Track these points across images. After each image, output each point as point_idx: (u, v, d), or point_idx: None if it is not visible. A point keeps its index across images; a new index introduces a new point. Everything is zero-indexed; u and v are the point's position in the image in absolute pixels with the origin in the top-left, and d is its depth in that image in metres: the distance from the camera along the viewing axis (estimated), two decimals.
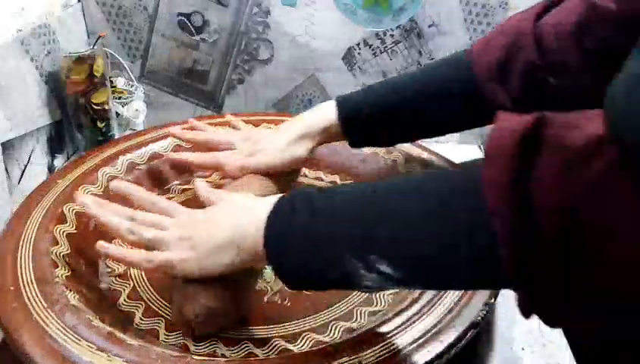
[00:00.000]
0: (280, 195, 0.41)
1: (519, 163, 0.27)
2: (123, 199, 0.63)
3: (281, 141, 0.58)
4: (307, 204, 0.37)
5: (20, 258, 0.48)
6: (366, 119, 0.57)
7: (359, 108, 0.57)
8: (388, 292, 0.52)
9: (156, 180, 0.68)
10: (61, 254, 0.50)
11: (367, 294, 0.52)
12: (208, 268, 0.42)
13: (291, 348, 0.46)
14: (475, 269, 0.31)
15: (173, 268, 0.42)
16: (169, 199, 0.66)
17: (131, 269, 0.55)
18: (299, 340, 0.47)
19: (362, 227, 0.35)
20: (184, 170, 0.70)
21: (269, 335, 0.47)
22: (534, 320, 0.45)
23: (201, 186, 0.50)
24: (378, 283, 0.34)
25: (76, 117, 0.76)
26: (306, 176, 0.70)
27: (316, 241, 0.36)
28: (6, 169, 0.63)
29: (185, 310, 0.43)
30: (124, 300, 0.51)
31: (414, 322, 0.42)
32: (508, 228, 0.27)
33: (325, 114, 0.58)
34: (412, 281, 0.35)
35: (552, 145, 0.27)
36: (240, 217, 0.41)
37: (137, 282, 0.53)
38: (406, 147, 0.69)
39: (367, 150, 0.71)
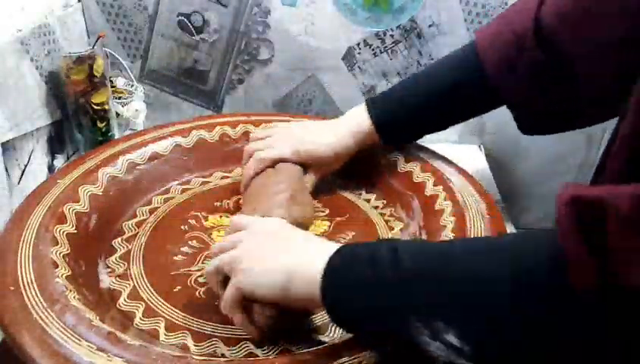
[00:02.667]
0: (342, 245, 0.40)
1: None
2: (124, 197, 0.64)
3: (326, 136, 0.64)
4: (370, 258, 0.37)
5: (20, 258, 0.47)
6: (398, 122, 0.63)
7: (391, 112, 0.62)
8: None
9: (156, 180, 0.68)
10: (61, 254, 0.50)
11: None
12: (260, 288, 0.42)
13: (291, 348, 0.46)
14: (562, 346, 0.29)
15: (242, 289, 0.42)
16: (168, 199, 0.67)
17: (131, 269, 0.55)
18: (299, 340, 0.46)
19: (429, 290, 0.33)
20: (184, 170, 0.71)
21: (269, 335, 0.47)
22: None
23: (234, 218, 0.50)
24: (446, 354, 0.32)
25: (76, 117, 0.76)
26: None
27: (378, 301, 0.35)
28: (6, 169, 0.63)
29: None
30: (124, 300, 0.51)
31: None
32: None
33: (358, 119, 0.64)
34: (483, 358, 0.32)
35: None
36: (294, 260, 0.41)
37: (137, 282, 0.53)
38: (406, 147, 0.69)
39: (366, 150, 0.71)
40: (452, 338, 0.31)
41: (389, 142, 0.65)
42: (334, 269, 0.38)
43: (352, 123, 0.64)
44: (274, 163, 0.63)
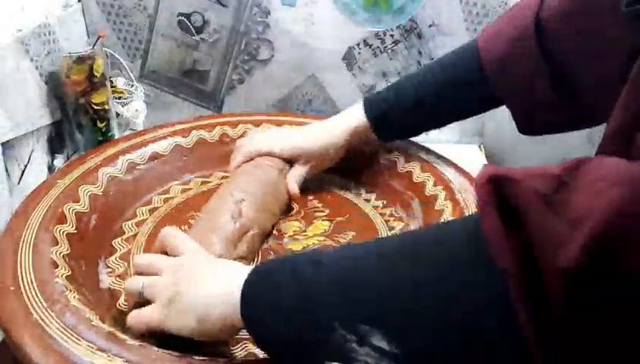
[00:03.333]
0: (257, 264, 0.40)
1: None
2: (124, 197, 0.64)
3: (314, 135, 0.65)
4: (290, 274, 0.35)
5: (20, 258, 0.47)
6: (392, 117, 0.62)
7: (385, 108, 0.62)
8: None
9: (156, 180, 0.68)
10: (61, 254, 0.50)
11: None
12: (177, 328, 0.40)
13: None
14: (492, 338, 0.28)
15: (156, 323, 0.42)
16: (168, 199, 0.67)
17: (131, 269, 0.55)
18: None
19: (349, 293, 0.32)
20: (184, 170, 0.71)
21: None
22: None
23: (166, 232, 0.48)
24: (374, 360, 0.30)
25: (76, 117, 0.76)
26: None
27: (299, 313, 0.34)
28: (6, 169, 0.63)
29: None
30: (124, 300, 0.51)
31: None
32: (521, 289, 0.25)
33: (353, 115, 0.64)
34: (412, 357, 0.30)
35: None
36: (213, 283, 0.40)
37: None
38: (406, 147, 0.69)
39: (367, 150, 0.71)
40: (380, 342, 0.30)
41: (384, 138, 0.65)
42: (251, 290, 0.37)
43: (348, 119, 0.64)
44: (258, 156, 0.65)
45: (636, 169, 0.24)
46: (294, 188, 0.64)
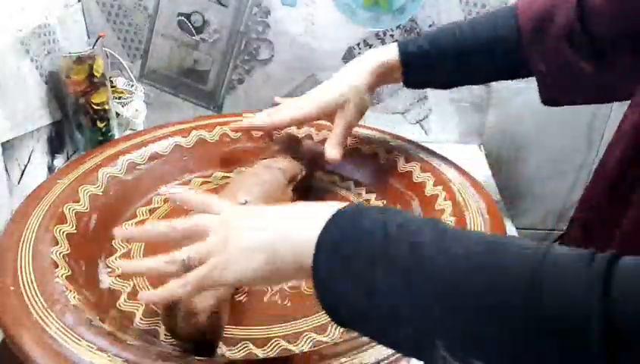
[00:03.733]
0: (337, 206, 0.34)
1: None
2: (124, 197, 0.64)
3: (336, 78, 0.62)
4: (380, 227, 0.31)
5: (20, 258, 0.47)
6: (426, 61, 0.60)
7: (420, 51, 0.60)
8: None
9: (156, 180, 0.68)
10: (61, 254, 0.50)
11: None
12: (238, 272, 0.36)
13: (291, 348, 0.46)
14: None
15: (212, 281, 0.37)
16: (168, 199, 0.66)
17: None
18: (299, 340, 0.47)
19: (458, 310, 0.28)
20: (184, 170, 0.71)
21: (269, 335, 0.47)
22: None
23: (188, 195, 0.44)
24: None
25: (76, 117, 0.76)
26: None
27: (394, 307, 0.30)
28: (6, 169, 0.63)
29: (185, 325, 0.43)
30: (124, 300, 0.51)
31: None
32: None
33: (386, 51, 0.61)
34: None
35: None
36: (284, 224, 0.36)
37: (137, 282, 0.53)
38: (406, 147, 0.69)
39: (367, 150, 0.71)
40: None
41: (410, 82, 0.63)
42: (331, 238, 0.33)
43: (378, 54, 0.62)
44: (292, 123, 0.64)
45: None
46: (333, 153, 0.60)
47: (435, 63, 0.60)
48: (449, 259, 0.29)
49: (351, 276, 0.32)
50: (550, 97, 0.59)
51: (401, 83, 0.63)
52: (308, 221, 0.34)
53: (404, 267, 0.30)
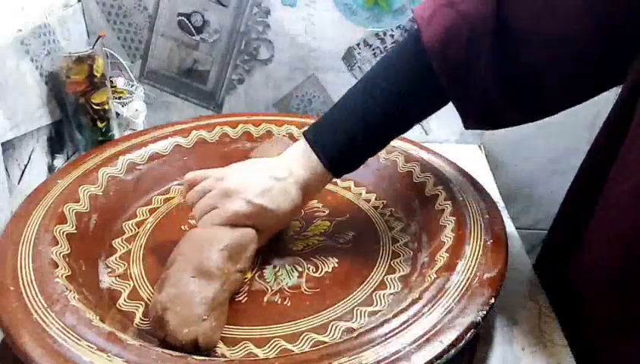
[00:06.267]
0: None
1: None
2: (124, 197, 0.64)
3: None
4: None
5: (20, 258, 0.48)
6: (352, 157, 0.55)
7: (342, 153, 0.53)
8: (388, 292, 0.52)
9: (156, 180, 0.68)
10: (61, 254, 0.50)
11: (367, 294, 0.52)
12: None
13: (291, 348, 0.46)
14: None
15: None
16: (168, 199, 0.67)
17: (131, 269, 0.55)
18: (299, 340, 0.47)
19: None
20: (184, 170, 0.70)
21: (269, 335, 0.47)
22: (535, 320, 0.45)
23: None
24: None
25: (76, 117, 0.76)
26: None
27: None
28: (6, 169, 0.63)
29: (178, 333, 0.42)
30: (124, 300, 0.51)
31: (414, 322, 0.42)
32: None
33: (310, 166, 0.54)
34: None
35: None
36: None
37: (137, 282, 0.53)
38: (406, 147, 0.69)
39: None
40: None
41: (339, 174, 0.56)
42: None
43: (303, 175, 0.54)
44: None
45: None
46: None
47: (366, 151, 0.55)
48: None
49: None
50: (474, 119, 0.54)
51: None
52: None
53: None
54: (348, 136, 0.53)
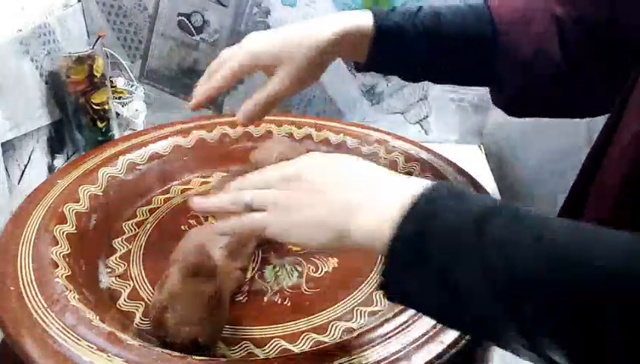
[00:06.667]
0: (428, 184, 0.31)
1: None
2: (124, 197, 0.64)
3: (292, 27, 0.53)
4: (471, 220, 0.28)
5: (20, 258, 0.47)
6: (398, 41, 0.52)
7: (396, 27, 0.51)
8: None
9: (156, 180, 0.68)
10: (61, 254, 0.50)
11: (367, 294, 0.52)
12: (301, 241, 0.36)
13: (291, 348, 0.46)
14: None
15: (265, 227, 0.36)
16: (168, 199, 0.66)
17: (131, 269, 0.55)
18: (299, 340, 0.47)
19: (541, 300, 0.25)
20: (184, 170, 0.71)
21: (269, 335, 0.47)
22: None
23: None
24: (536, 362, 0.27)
25: (76, 117, 0.76)
26: None
27: (463, 289, 0.28)
28: (6, 169, 0.63)
29: (176, 330, 0.42)
30: (124, 300, 0.51)
31: (414, 322, 0.42)
32: None
33: (360, 17, 0.52)
34: None
35: None
36: (360, 197, 0.34)
37: (137, 282, 0.53)
38: (406, 147, 0.69)
39: (366, 149, 0.71)
40: (556, 356, 0.26)
41: (373, 61, 0.54)
42: (416, 221, 0.30)
43: (352, 19, 0.51)
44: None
45: None
46: (244, 111, 0.53)
47: (409, 43, 0.52)
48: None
49: (427, 272, 0.30)
50: (515, 106, 0.55)
51: (389, 78, 0.59)
52: (382, 202, 0.32)
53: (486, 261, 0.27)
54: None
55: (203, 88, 0.55)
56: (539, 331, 0.26)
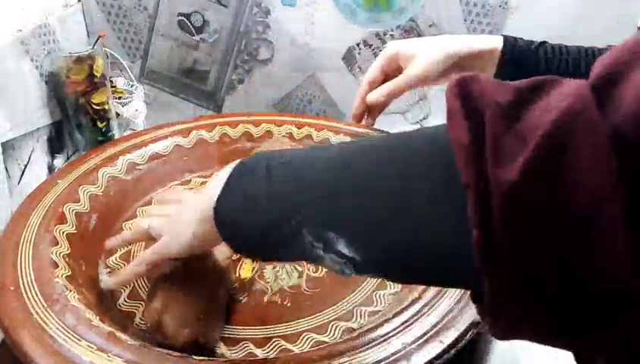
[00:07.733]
0: (239, 161, 0.37)
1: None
2: (124, 197, 0.64)
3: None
4: (264, 169, 0.34)
5: (20, 258, 0.47)
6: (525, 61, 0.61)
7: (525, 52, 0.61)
8: (388, 292, 0.52)
9: (156, 180, 0.68)
10: (61, 254, 0.50)
11: (367, 294, 0.52)
12: (180, 247, 0.41)
13: (291, 348, 0.46)
14: (445, 254, 0.26)
15: (161, 253, 0.43)
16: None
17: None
18: (299, 340, 0.47)
19: (322, 200, 0.30)
20: (184, 170, 0.71)
21: (269, 335, 0.47)
22: None
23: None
24: (340, 266, 0.31)
25: (76, 117, 0.76)
26: None
27: (267, 211, 0.33)
28: (6, 169, 0.63)
29: (176, 332, 0.42)
30: (124, 300, 0.51)
31: (414, 322, 0.42)
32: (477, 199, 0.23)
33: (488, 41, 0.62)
34: (370, 265, 0.30)
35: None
36: (202, 192, 0.39)
37: (137, 282, 0.53)
38: None
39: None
40: (343, 248, 0.29)
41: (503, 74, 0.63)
42: (225, 192, 0.36)
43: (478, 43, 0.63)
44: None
45: (589, 82, 0.22)
46: (374, 96, 0.64)
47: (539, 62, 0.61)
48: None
49: (241, 204, 0.35)
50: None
51: None
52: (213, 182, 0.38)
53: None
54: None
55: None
56: (323, 229, 0.30)
